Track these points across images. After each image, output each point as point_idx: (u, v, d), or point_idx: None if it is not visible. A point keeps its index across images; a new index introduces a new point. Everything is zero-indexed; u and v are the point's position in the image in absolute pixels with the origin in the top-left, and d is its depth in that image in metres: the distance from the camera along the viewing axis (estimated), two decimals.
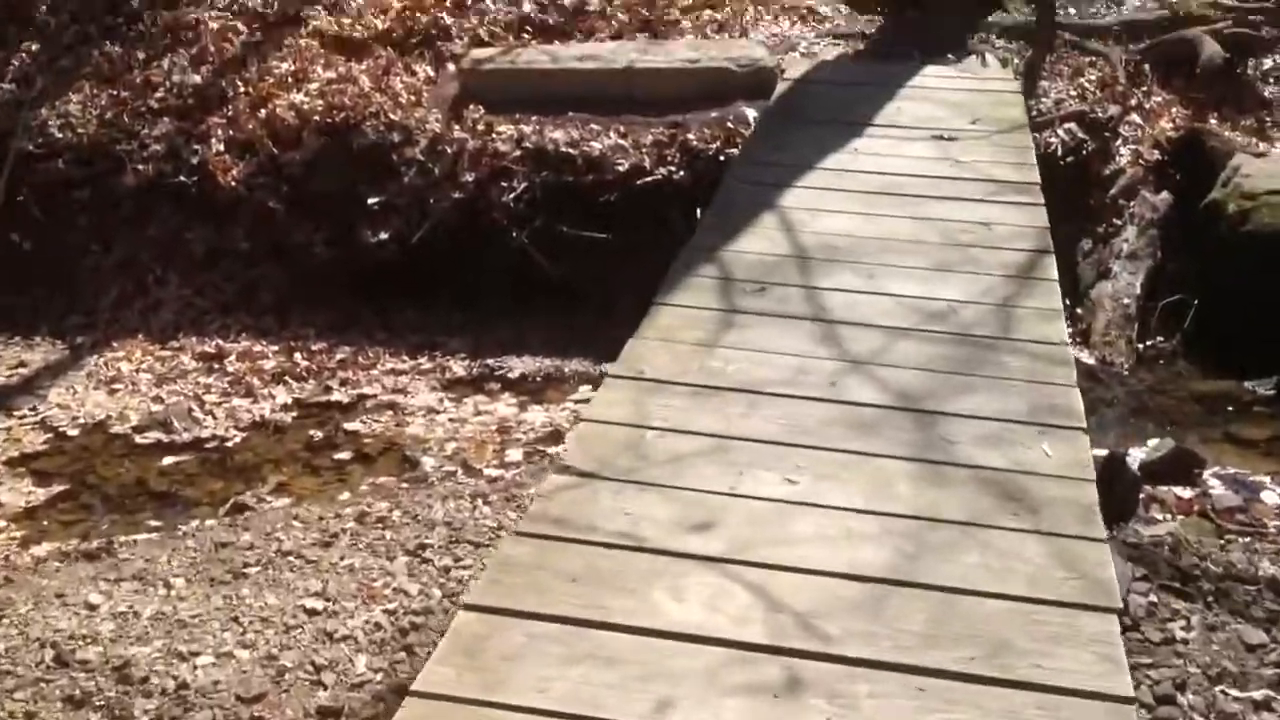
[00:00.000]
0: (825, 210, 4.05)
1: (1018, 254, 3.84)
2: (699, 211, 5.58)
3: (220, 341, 5.48)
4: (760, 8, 7.27)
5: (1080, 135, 5.90)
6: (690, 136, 5.75)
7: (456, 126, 5.87)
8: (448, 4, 6.87)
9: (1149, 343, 5.39)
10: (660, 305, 3.70)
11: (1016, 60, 6.56)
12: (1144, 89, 6.34)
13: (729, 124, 5.81)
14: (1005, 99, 5.32)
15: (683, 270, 3.86)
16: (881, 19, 7.22)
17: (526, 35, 6.91)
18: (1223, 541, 3.76)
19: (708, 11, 7.19)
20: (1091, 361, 5.07)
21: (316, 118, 5.80)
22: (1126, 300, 5.38)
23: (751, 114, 5.85)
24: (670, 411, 3.00)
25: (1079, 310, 5.33)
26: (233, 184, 5.76)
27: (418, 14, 6.72)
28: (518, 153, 5.71)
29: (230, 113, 5.98)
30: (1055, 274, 3.78)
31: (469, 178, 5.65)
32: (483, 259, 5.74)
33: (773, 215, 4.03)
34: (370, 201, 5.68)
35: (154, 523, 4.26)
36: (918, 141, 4.66)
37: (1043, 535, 2.52)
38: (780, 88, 5.55)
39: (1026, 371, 3.20)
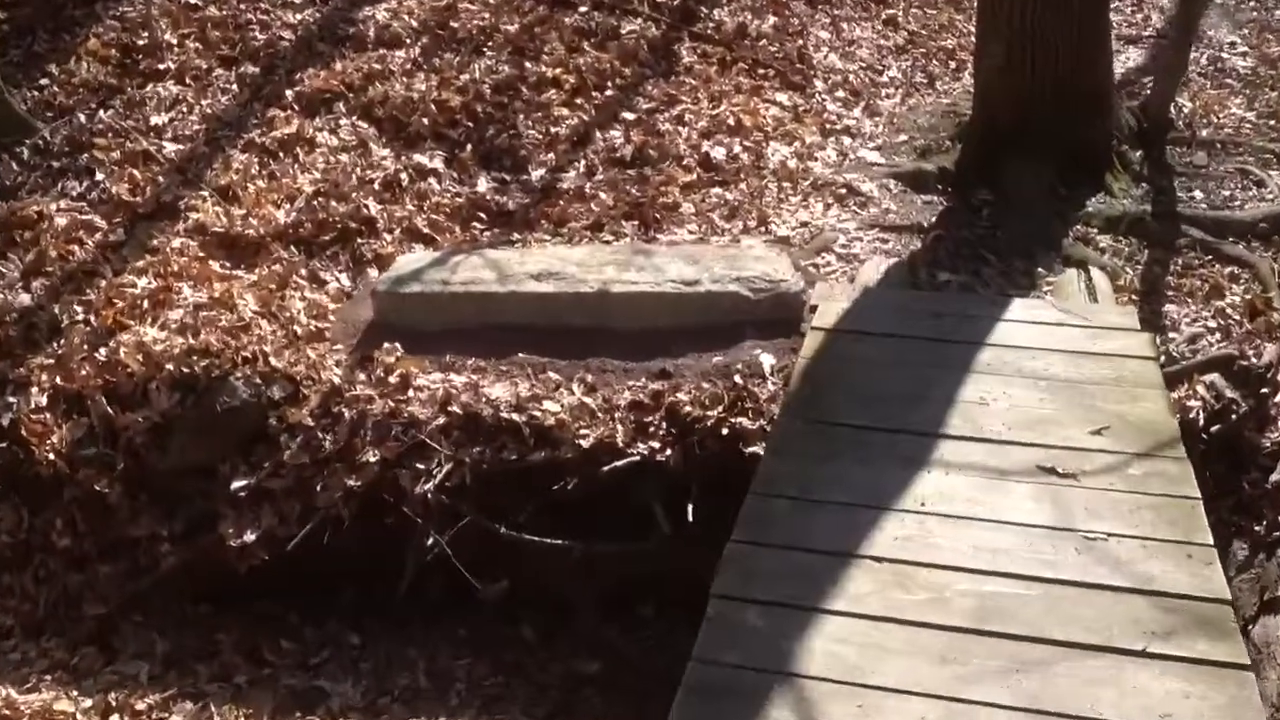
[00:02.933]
0: (887, 689, 2.51)
1: None
2: (690, 507, 4.27)
3: (11, 691, 4.11)
4: (786, 184, 5.97)
5: (1228, 393, 4.50)
6: (682, 397, 4.40)
7: (362, 376, 4.55)
8: (375, 185, 5.60)
9: None
10: None
11: (1129, 273, 5.19)
12: None
13: (736, 377, 4.46)
14: (1135, 372, 3.90)
15: None
16: (943, 201, 5.90)
17: (478, 226, 5.64)
18: None
19: (716, 190, 5.89)
20: None
21: (170, 365, 4.48)
22: None
23: (768, 361, 4.50)
24: None
25: None
26: (51, 455, 4.44)
27: (332, 201, 5.45)
28: (441, 420, 4.37)
29: (62, 350, 4.68)
30: None
31: (372, 456, 4.31)
32: (387, 570, 4.38)
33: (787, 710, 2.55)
34: (235, 487, 4.34)
35: None
36: (1018, 482, 3.22)
37: None
38: (809, 344, 4.17)
39: None
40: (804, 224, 5.67)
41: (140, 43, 6.13)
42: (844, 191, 5.93)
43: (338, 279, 5.23)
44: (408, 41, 6.50)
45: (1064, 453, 3.39)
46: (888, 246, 5.48)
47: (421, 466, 4.30)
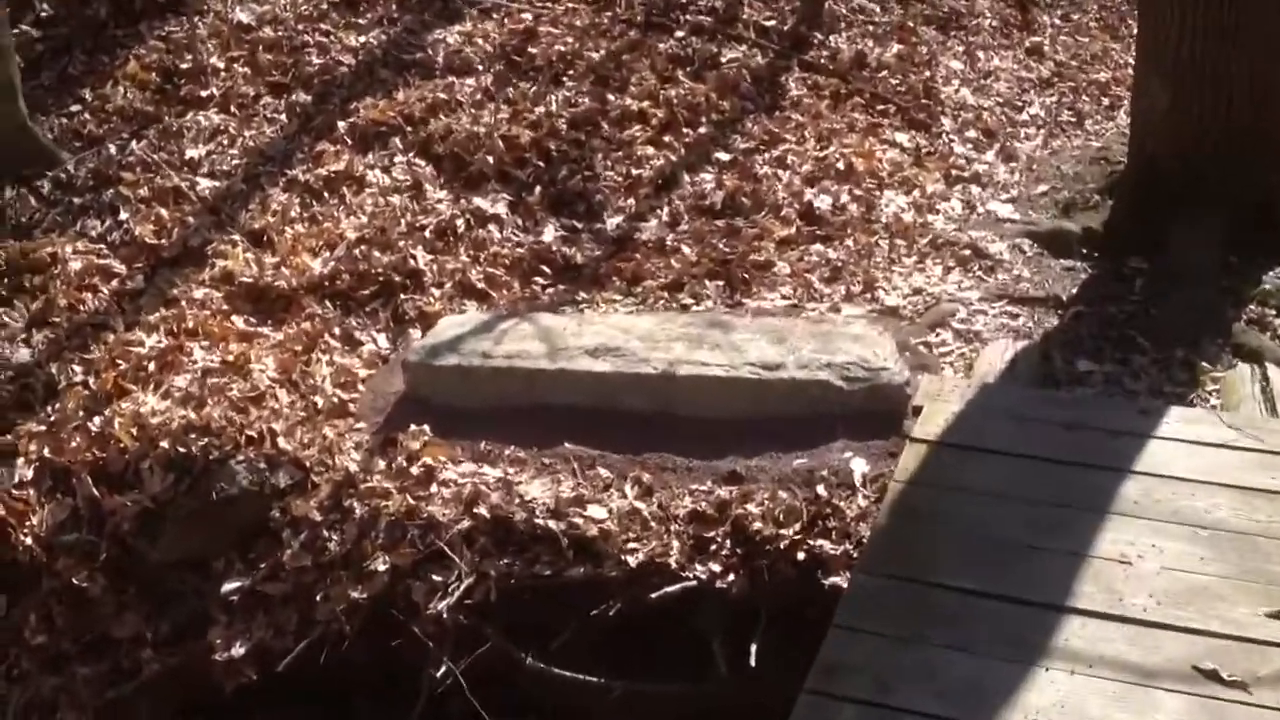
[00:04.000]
0: None
1: None
2: (754, 646, 3.61)
3: None
4: (899, 242, 5.26)
5: None
6: (752, 509, 3.75)
7: (382, 463, 4.00)
8: (426, 233, 5.08)
9: None
10: None
11: None
12: None
13: (820, 487, 3.79)
14: None
15: None
16: (1087, 268, 5.11)
17: (540, 282, 5.07)
18: None
19: (817, 247, 5.22)
20: None
21: (166, 442, 4.00)
22: None
23: (859, 469, 3.82)
24: None
25: None
26: (27, 540, 4.00)
27: (375, 250, 4.94)
28: (466, 523, 3.80)
29: (55, 416, 4.25)
30: None
31: (382, 564, 3.76)
32: (396, 695, 3.81)
33: None
34: (227, 589, 3.84)
35: None
36: (1168, 691, 2.45)
37: None
38: (906, 462, 3.48)
39: None
40: (917, 291, 4.97)
41: (184, 66, 5.76)
42: (968, 253, 5.21)
43: (374, 340, 4.73)
44: (480, 69, 6.01)
45: (1232, 646, 2.64)
46: (1017, 323, 4.74)
47: (439, 579, 3.74)
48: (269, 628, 3.81)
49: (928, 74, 6.69)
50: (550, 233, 5.30)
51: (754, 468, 3.97)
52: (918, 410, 3.82)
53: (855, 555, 3.62)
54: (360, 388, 4.49)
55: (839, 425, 4.05)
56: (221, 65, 5.82)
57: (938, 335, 4.70)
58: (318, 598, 3.79)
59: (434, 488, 3.94)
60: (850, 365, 4.12)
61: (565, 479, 3.98)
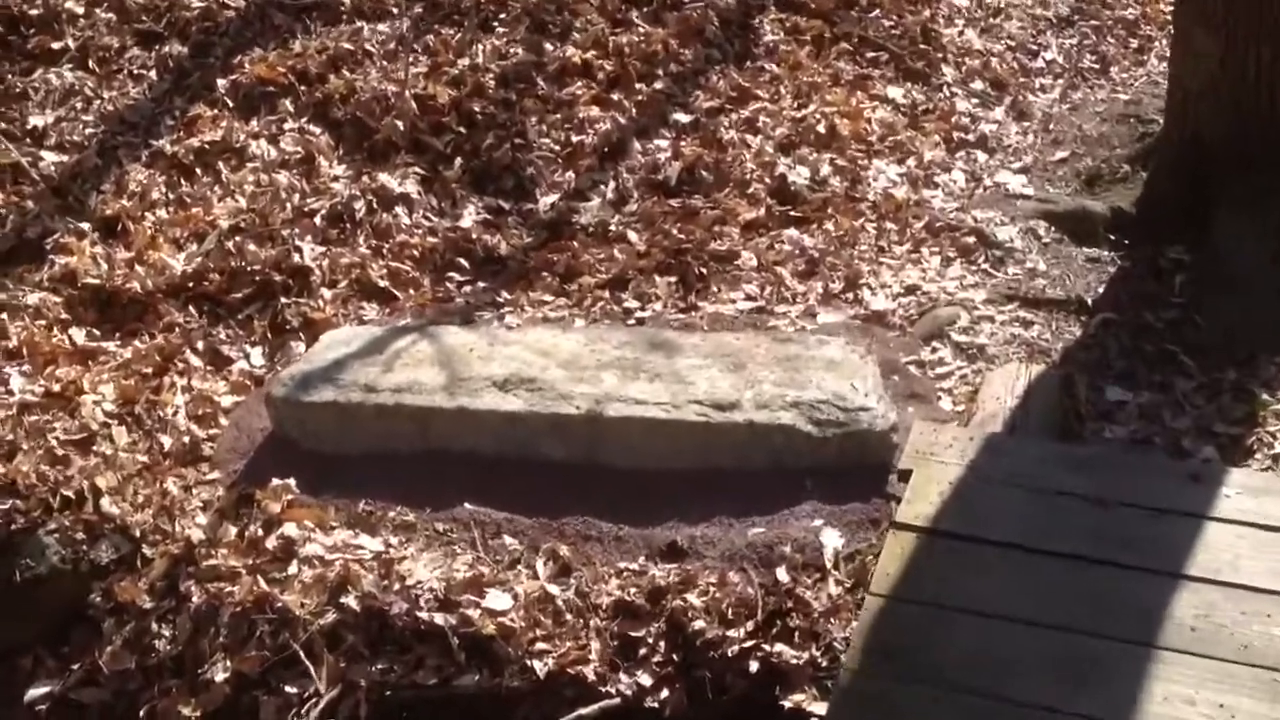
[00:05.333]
0: None
1: None
2: None
3: None
4: (890, 226, 4.41)
5: None
6: (693, 600, 2.98)
7: (233, 531, 3.21)
8: (317, 219, 4.22)
9: None
10: None
11: None
12: None
13: (780, 569, 3.01)
14: None
15: None
16: (1115, 258, 4.28)
17: (456, 279, 4.23)
18: None
19: (790, 233, 4.38)
20: None
21: None
22: None
23: (831, 544, 3.05)
24: None
25: None
26: None
27: (251, 243, 4.08)
28: (330, 616, 3.01)
29: None
30: None
31: (222, 671, 2.97)
32: None
33: None
34: (32, 695, 3.07)
35: None
36: None
37: None
38: (887, 562, 2.67)
39: None
40: (910, 290, 4.15)
41: (33, 13, 4.83)
42: (971, 239, 4.37)
43: (246, 356, 3.91)
44: (394, 11, 5.09)
45: None
46: (1030, 334, 3.93)
47: (293, 690, 2.96)
48: None
49: (927, 13, 5.78)
50: (470, 216, 4.44)
51: (699, 538, 3.19)
52: (905, 475, 3.01)
53: (822, 665, 2.87)
54: (222, 421, 3.67)
55: (807, 481, 3.26)
56: (80, 11, 4.89)
57: (934, 351, 3.87)
58: (142, 713, 3.03)
59: (293, 567, 3.14)
60: (822, 404, 3.30)
61: (462, 553, 3.19)
